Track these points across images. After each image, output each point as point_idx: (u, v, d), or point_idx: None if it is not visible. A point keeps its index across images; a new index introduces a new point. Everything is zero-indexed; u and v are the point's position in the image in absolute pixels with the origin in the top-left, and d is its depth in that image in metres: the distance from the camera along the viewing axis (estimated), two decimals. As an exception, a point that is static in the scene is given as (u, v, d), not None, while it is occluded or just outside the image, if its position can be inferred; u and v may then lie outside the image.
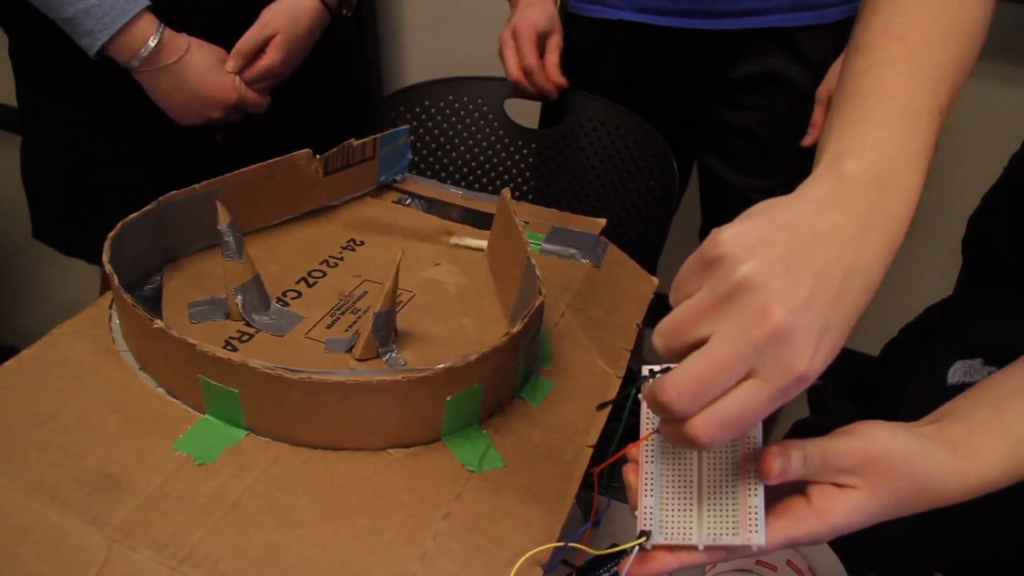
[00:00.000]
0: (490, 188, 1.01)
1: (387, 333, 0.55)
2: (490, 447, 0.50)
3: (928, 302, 0.83)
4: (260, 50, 0.80)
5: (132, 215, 0.56)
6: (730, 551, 0.39)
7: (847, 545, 0.58)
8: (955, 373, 0.73)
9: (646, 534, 0.39)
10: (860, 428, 0.39)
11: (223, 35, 0.79)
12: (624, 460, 0.43)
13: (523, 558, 0.43)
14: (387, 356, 0.55)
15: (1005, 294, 0.78)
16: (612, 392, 0.57)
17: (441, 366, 0.46)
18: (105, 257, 0.53)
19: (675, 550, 0.39)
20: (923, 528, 0.71)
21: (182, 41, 0.76)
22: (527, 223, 0.74)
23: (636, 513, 0.40)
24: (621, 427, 0.46)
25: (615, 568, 0.52)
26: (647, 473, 0.41)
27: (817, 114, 0.91)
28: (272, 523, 0.43)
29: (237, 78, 0.80)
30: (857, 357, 1.39)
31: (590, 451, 0.51)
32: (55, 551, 0.41)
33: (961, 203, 0.91)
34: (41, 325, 0.54)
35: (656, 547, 0.39)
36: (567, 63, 0.92)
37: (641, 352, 0.68)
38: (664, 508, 0.40)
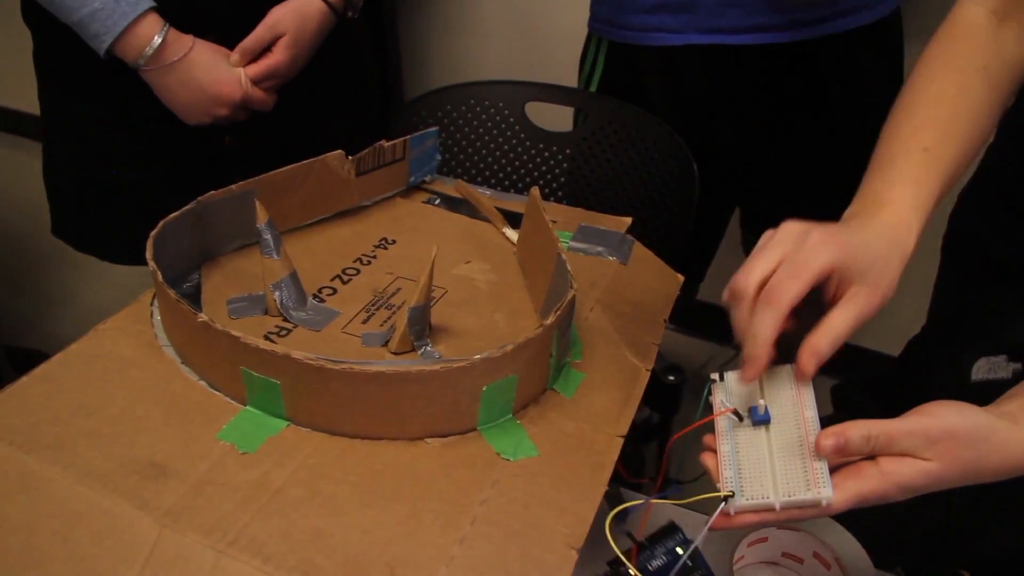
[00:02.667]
0: (512, 190, 1.02)
1: (422, 327, 0.56)
2: (524, 436, 0.51)
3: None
4: (266, 49, 0.80)
5: (172, 214, 0.58)
6: (803, 509, 0.44)
7: (875, 538, 0.58)
8: (979, 370, 0.73)
9: (730, 497, 0.45)
10: (931, 408, 0.44)
11: (231, 37, 0.79)
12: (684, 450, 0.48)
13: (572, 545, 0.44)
14: (422, 349, 0.56)
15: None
16: (641, 384, 0.58)
17: (478, 356, 0.48)
18: (149, 255, 0.54)
19: (756, 510, 0.45)
20: (951, 524, 0.71)
21: (186, 40, 0.76)
22: (554, 222, 0.75)
23: (719, 485, 0.46)
24: (700, 412, 0.50)
25: (674, 547, 0.55)
26: (724, 453, 0.47)
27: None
28: (314, 509, 0.45)
29: (243, 75, 0.79)
30: (878, 357, 1.39)
31: (621, 441, 0.52)
32: (108, 535, 0.43)
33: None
34: (68, 331, 0.55)
35: (738, 510, 0.45)
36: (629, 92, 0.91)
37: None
38: (742, 477, 0.46)
